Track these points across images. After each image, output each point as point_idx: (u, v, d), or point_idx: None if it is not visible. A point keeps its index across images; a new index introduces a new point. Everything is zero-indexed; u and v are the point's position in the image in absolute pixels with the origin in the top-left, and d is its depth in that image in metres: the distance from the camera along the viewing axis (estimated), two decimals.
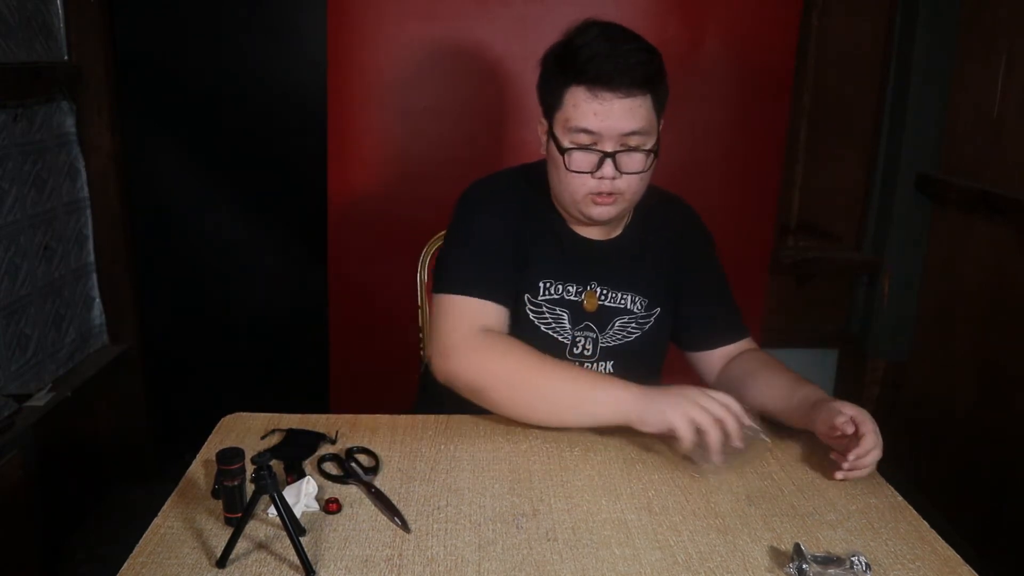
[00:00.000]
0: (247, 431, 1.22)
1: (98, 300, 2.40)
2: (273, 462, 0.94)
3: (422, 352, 1.64)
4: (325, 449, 1.17)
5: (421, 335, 1.65)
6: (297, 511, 0.99)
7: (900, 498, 1.10)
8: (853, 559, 0.91)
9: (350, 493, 1.06)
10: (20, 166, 2.03)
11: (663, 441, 1.19)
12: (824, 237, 2.69)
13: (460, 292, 1.25)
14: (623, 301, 1.35)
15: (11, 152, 1.99)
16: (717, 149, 2.22)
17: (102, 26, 2.24)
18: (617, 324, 1.36)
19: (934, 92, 2.47)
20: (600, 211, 1.26)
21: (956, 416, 2.39)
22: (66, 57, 2.22)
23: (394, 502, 1.03)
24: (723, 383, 1.39)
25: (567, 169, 1.23)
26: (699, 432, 1.09)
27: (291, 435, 1.20)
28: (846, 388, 2.78)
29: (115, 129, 2.32)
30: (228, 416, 1.26)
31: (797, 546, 0.92)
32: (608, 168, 1.21)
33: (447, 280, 1.28)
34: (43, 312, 2.14)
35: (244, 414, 1.26)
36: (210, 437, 1.20)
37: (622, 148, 1.21)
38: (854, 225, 2.70)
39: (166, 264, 2.51)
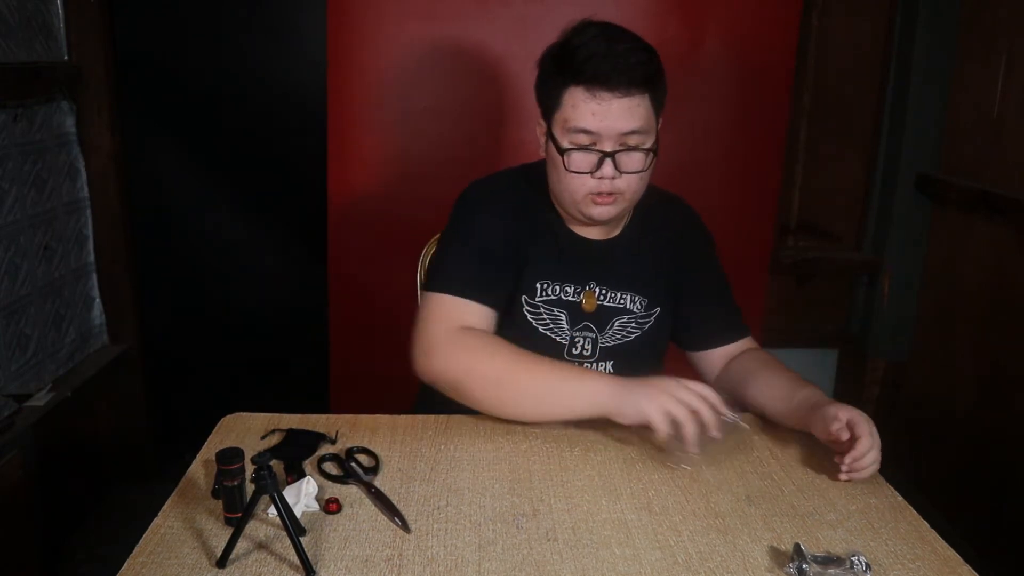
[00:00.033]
0: (247, 431, 1.22)
1: (98, 300, 2.40)
2: (273, 462, 0.93)
3: None
4: (325, 449, 1.17)
5: None
6: (297, 511, 0.99)
7: (900, 498, 1.10)
8: (853, 559, 0.91)
9: (350, 493, 1.06)
10: (20, 166, 2.03)
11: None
12: (824, 237, 2.69)
13: (448, 291, 1.25)
14: (622, 301, 1.35)
15: (11, 152, 1.99)
16: (717, 149, 2.21)
17: (102, 26, 2.24)
18: (616, 324, 1.36)
19: (934, 92, 2.47)
20: (600, 211, 1.26)
21: (956, 416, 2.39)
22: (66, 57, 2.22)
23: (394, 502, 1.03)
24: (723, 383, 1.39)
25: (567, 169, 1.23)
26: (676, 424, 1.09)
27: (291, 435, 1.20)
28: (846, 388, 2.78)
29: (115, 129, 2.32)
30: (228, 416, 1.26)
31: (797, 546, 0.92)
32: (608, 168, 1.21)
33: (436, 279, 1.28)
34: (43, 312, 2.14)
35: (244, 414, 1.26)
36: (210, 437, 1.20)
37: (621, 148, 1.21)
38: (854, 225, 2.70)
39: (166, 264, 2.51)
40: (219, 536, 0.95)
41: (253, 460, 0.92)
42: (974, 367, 2.32)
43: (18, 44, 2.00)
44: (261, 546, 0.95)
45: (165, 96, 2.39)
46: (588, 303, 1.34)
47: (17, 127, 2.01)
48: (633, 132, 1.21)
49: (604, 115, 1.19)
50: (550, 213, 1.35)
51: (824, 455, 1.16)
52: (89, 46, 2.23)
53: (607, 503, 1.06)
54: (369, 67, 2.10)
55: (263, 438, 1.20)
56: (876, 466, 1.11)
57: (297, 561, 0.89)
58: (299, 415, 1.25)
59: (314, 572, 0.89)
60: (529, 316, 1.32)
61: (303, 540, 0.93)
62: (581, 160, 1.22)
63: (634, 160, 1.23)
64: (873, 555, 0.96)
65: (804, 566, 0.90)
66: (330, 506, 1.02)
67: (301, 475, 1.07)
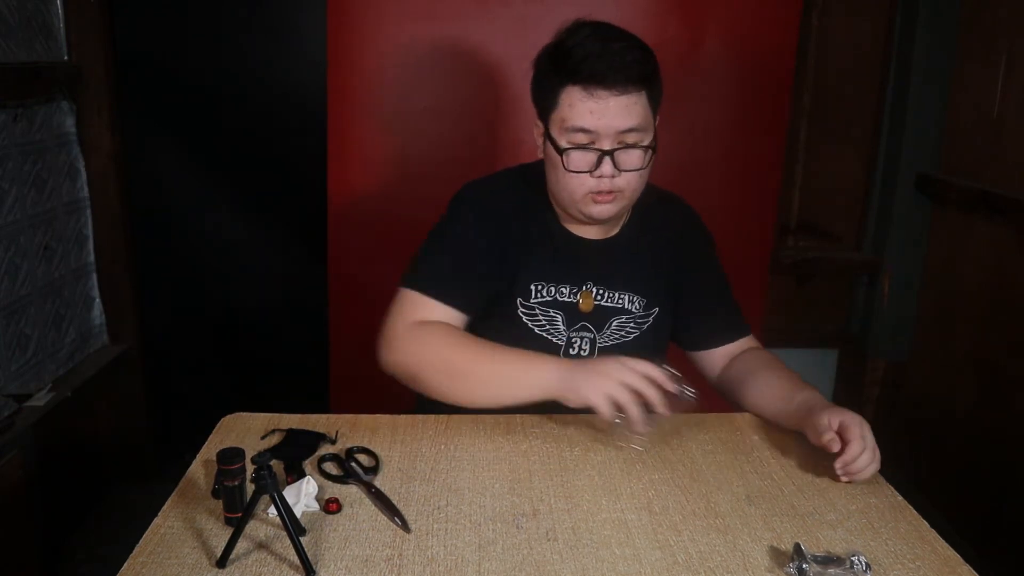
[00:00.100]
0: (247, 431, 1.22)
1: (98, 300, 2.40)
2: (273, 462, 0.93)
3: None
4: (325, 449, 1.17)
5: None
6: (297, 511, 0.99)
7: (900, 498, 1.10)
8: (853, 559, 0.91)
9: (350, 493, 1.06)
10: (20, 166, 2.03)
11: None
12: (824, 237, 2.69)
13: (416, 289, 1.28)
14: (620, 301, 1.35)
15: (11, 152, 1.99)
16: (717, 149, 2.21)
17: (102, 26, 2.24)
18: (614, 324, 1.35)
19: (934, 92, 2.47)
20: (600, 209, 1.26)
21: (956, 416, 2.39)
22: (66, 57, 2.22)
23: (394, 502, 1.03)
24: (724, 382, 1.39)
25: (566, 169, 1.23)
26: (621, 407, 1.10)
27: (291, 435, 1.20)
28: (846, 388, 2.78)
29: (115, 129, 2.32)
30: (228, 416, 1.26)
31: (797, 546, 0.92)
32: (607, 166, 1.21)
33: (409, 275, 1.31)
34: (43, 312, 2.14)
35: (244, 414, 1.27)
36: (210, 437, 1.20)
37: (620, 146, 1.21)
38: (854, 225, 2.70)
39: (166, 264, 2.50)
40: (219, 536, 0.95)
41: (253, 460, 0.92)
42: (974, 367, 2.32)
43: (18, 44, 2.01)
44: (261, 546, 0.95)
45: (165, 96, 2.39)
46: (585, 303, 1.34)
47: (17, 127, 2.01)
48: (631, 130, 1.21)
49: (602, 113, 1.19)
50: (547, 214, 1.35)
51: (824, 455, 1.16)
52: (89, 46, 2.23)
53: (607, 503, 1.06)
54: (369, 67, 2.10)
55: (263, 438, 1.20)
56: (874, 467, 1.11)
57: (297, 561, 0.89)
58: (299, 415, 1.25)
59: (314, 572, 0.89)
60: (525, 318, 1.32)
61: (303, 540, 0.93)
62: (580, 159, 1.22)
63: (633, 158, 1.23)
64: (873, 555, 0.96)
65: (804, 566, 0.90)
66: (330, 506, 1.02)
67: (301, 475, 1.07)
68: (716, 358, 1.41)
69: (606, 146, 1.21)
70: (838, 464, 1.10)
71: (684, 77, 2.11)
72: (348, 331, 2.25)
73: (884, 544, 0.99)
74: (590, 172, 1.22)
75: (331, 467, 1.13)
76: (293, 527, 0.90)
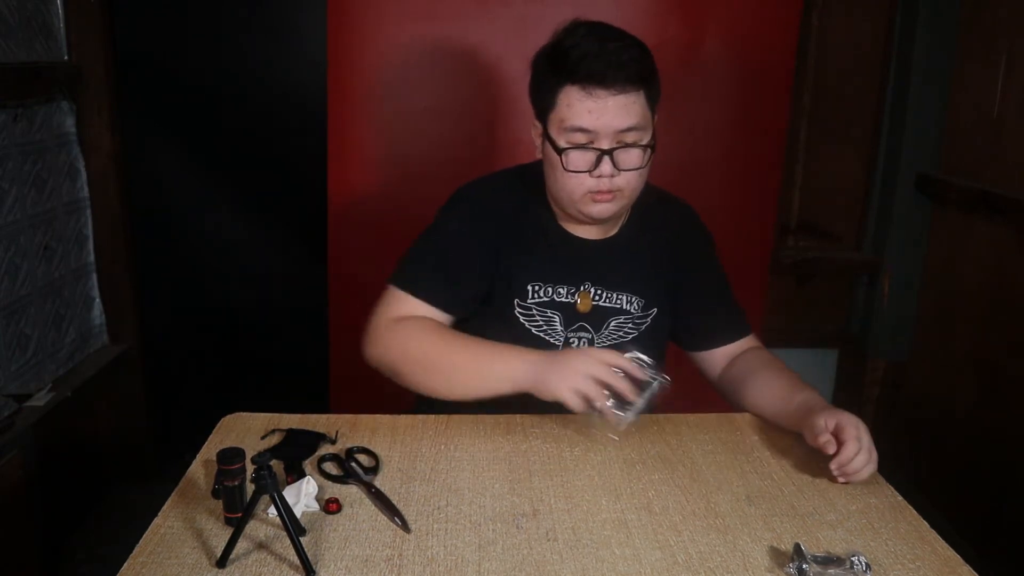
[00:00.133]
0: (247, 431, 1.22)
1: (98, 300, 2.40)
2: (273, 462, 0.93)
3: None
4: (325, 449, 1.17)
5: None
6: (297, 511, 0.99)
7: (900, 498, 1.10)
8: (853, 559, 0.91)
9: (350, 493, 1.06)
10: (20, 166, 2.03)
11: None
12: (824, 237, 2.69)
13: (400, 286, 1.30)
14: (618, 301, 1.35)
15: (11, 152, 1.99)
16: (717, 149, 2.21)
17: (102, 26, 2.24)
18: (612, 324, 1.35)
19: (934, 92, 2.47)
20: (600, 209, 1.25)
21: (956, 416, 2.39)
22: (66, 57, 2.22)
23: (394, 502, 1.03)
24: (725, 382, 1.39)
25: (565, 169, 1.23)
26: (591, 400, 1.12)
27: (291, 435, 1.20)
28: (846, 388, 2.78)
29: (115, 129, 2.31)
30: (228, 416, 1.26)
31: (797, 546, 0.92)
32: (606, 166, 1.21)
33: (397, 272, 1.33)
34: (43, 312, 2.14)
35: (244, 414, 1.27)
36: (210, 437, 1.20)
37: (619, 145, 1.21)
38: (854, 225, 2.70)
39: (166, 264, 2.50)
40: (219, 536, 0.96)
41: (253, 460, 0.92)
42: (974, 367, 2.32)
43: (18, 44, 2.00)
44: (261, 546, 0.95)
45: (165, 96, 2.38)
46: (583, 304, 1.34)
47: (17, 127, 2.01)
48: (630, 129, 1.21)
49: (600, 113, 1.19)
50: (544, 214, 1.35)
51: (824, 455, 1.16)
52: (89, 46, 2.23)
53: (607, 503, 1.06)
54: (369, 67, 2.10)
55: (263, 438, 1.20)
56: (870, 468, 1.10)
57: (297, 561, 0.89)
58: (299, 415, 1.25)
59: (314, 572, 0.89)
60: (522, 318, 1.32)
61: (303, 540, 0.93)
62: (579, 159, 1.22)
63: (632, 157, 1.23)
64: (873, 555, 0.96)
65: (804, 566, 0.90)
66: (330, 506, 1.02)
67: (301, 475, 1.07)
68: (717, 358, 1.41)
69: (605, 145, 1.21)
70: (833, 465, 1.10)
71: (684, 77, 2.11)
72: (348, 331, 2.23)
73: (884, 544, 0.99)
74: (589, 172, 1.22)
75: (331, 467, 1.13)
76: (293, 527, 0.90)
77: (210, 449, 1.13)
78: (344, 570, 0.91)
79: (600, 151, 1.21)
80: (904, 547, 0.99)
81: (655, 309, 1.38)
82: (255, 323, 2.57)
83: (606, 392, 1.12)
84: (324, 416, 1.26)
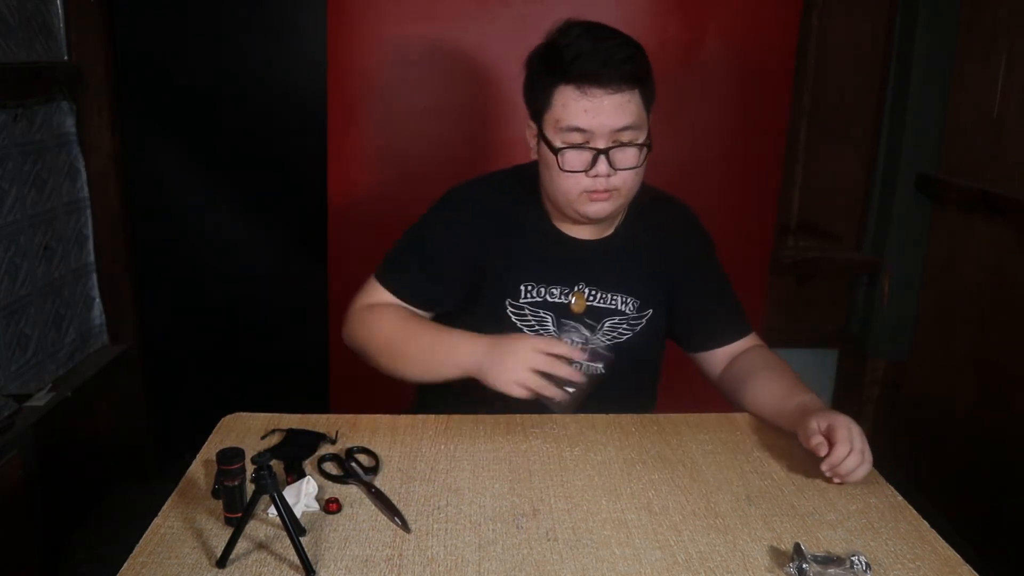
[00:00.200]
0: (247, 431, 1.22)
1: (98, 300, 2.40)
2: (273, 462, 0.93)
3: None
4: (325, 449, 1.17)
5: None
6: (297, 511, 0.99)
7: (900, 498, 1.10)
8: (853, 559, 0.91)
9: (350, 493, 1.06)
10: (20, 166, 2.03)
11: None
12: (824, 237, 2.69)
13: (381, 280, 1.35)
14: (613, 302, 1.35)
15: (11, 152, 1.99)
16: (717, 149, 2.21)
17: (102, 26, 2.24)
18: (607, 325, 1.35)
19: (934, 92, 2.47)
20: (597, 208, 1.25)
21: (956, 416, 2.39)
22: (66, 57, 2.22)
23: (394, 502, 1.03)
24: (725, 382, 1.39)
25: (561, 169, 1.22)
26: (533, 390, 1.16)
27: (291, 435, 1.20)
28: (846, 388, 2.78)
29: (115, 129, 2.31)
30: (228, 416, 1.26)
31: (797, 546, 0.93)
32: (602, 165, 1.21)
33: (380, 265, 1.37)
34: (43, 312, 2.14)
35: (244, 414, 1.27)
36: (210, 437, 1.20)
37: (614, 144, 1.21)
38: (854, 225, 2.70)
39: (166, 264, 2.50)
40: (219, 536, 0.96)
41: (253, 460, 0.92)
42: (974, 367, 2.32)
43: (18, 44, 2.00)
44: (261, 546, 0.95)
45: (165, 96, 2.38)
46: (577, 304, 1.33)
47: (17, 127, 2.01)
48: (626, 128, 1.20)
49: (596, 112, 1.19)
50: (538, 213, 1.35)
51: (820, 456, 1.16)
52: (89, 46, 2.23)
53: (607, 503, 1.06)
54: (369, 67, 2.10)
55: (263, 438, 1.20)
56: (864, 469, 1.09)
57: (297, 561, 0.89)
58: (299, 415, 1.25)
59: (314, 572, 0.89)
60: (514, 318, 1.32)
61: (303, 540, 0.93)
62: (575, 159, 1.22)
63: (628, 156, 1.22)
64: (873, 555, 0.96)
65: (804, 566, 0.90)
66: (330, 506, 1.02)
67: (301, 475, 1.07)
68: (718, 358, 1.41)
69: (601, 145, 1.21)
70: (824, 466, 1.09)
71: (684, 77, 2.11)
72: None
73: (884, 544, 0.99)
74: (585, 171, 1.22)
75: (331, 467, 1.13)
76: (293, 527, 0.90)
77: (210, 449, 1.13)
78: (344, 570, 0.91)
79: (596, 150, 1.21)
80: (904, 547, 0.99)
81: (651, 310, 1.37)
82: (255, 323, 2.57)
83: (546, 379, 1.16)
84: (324, 416, 1.26)
